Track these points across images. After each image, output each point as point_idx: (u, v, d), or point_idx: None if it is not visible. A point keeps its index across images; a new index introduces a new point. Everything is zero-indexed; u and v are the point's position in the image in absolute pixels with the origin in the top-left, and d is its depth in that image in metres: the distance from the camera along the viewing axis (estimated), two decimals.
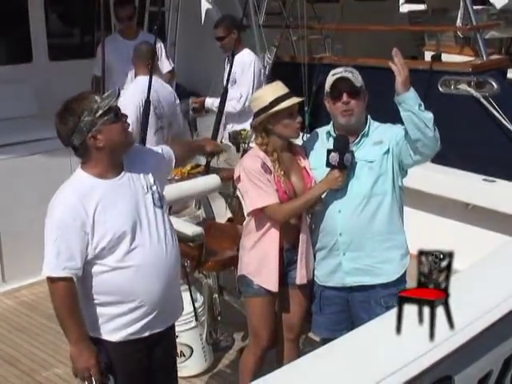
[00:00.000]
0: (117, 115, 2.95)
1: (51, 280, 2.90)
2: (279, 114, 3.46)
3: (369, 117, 3.58)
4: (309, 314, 3.75)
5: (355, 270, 3.55)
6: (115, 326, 3.00)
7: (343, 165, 3.39)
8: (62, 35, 7.33)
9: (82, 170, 2.99)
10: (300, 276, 3.62)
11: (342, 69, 3.51)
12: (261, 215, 3.53)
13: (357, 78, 3.47)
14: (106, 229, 2.89)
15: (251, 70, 6.13)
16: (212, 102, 6.27)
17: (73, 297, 2.91)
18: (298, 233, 3.59)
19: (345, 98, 3.43)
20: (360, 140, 3.51)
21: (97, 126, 2.89)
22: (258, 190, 3.46)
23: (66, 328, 2.93)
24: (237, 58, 6.12)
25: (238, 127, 5.76)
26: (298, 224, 3.60)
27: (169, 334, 3.23)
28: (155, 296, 3.01)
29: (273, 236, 3.54)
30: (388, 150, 3.47)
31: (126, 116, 3.04)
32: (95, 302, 2.99)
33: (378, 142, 3.49)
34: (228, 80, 5.99)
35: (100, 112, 2.89)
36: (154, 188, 3.09)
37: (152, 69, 5.39)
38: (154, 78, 5.50)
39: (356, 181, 3.48)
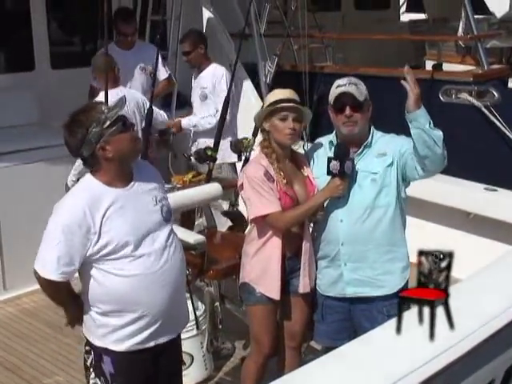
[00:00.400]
0: (124, 124, 2.96)
1: (44, 278, 2.94)
2: (272, 114, 3.52)
3: (372, 127, 3.58)
4: (311, 322, 3.75)
5: (356, 281, 3.55)
6: (120, 337, 3.00)
7: (344, 172, 3.40)
8: (65, 43, 7.36)
9: (92, 177, 3.00)
10: (303, 284, 3.63)
11: (347, 80, 3.51)
12: (263, 223, 3.54)
13: (361, 91, 3.47)
14: (111, 237, 2.90)
15: (222, 83, 6.07)
16: (188, 122, 6.20)
17: (64, 291, 3.01)
18: (300, 241, 3.60)
19: (347, 111, 3.44)
20: (363, 151, 3.52)
21: (105, 136, 2.90)
22: (260, 198, 3.48)
23: (64, 308, 3.14)
24: (205, 73, 6.14)
25: (210, 141, 5.81)
26: (301, 232, 3.61)
27: (175, 344, 3.22)
28: (159, 306, 3.01)
29: (275, 244, 3.55)
30: (392, 162, 3.47)
31: (134, 124, 3.06)
32: (99, 310, 3.00)
33: (381, 154, 3.49)
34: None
35: (108, 123, 2.90)
36: (164, 201, 3.11)
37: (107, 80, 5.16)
38: (119, 88, 5.47)
39: (359, 192, 3.48)
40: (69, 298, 3.09)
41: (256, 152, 4.02)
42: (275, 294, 3.58)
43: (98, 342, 3.02)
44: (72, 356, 4.64)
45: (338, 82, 3.53)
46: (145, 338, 3.02)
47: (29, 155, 5.61)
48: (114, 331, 2.99)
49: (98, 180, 2.97)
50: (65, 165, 5.68)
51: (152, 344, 3.05)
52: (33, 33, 6.50)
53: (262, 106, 3.72)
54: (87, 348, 3.10)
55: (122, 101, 3.04)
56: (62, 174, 5.65)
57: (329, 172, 3.44)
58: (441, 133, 3.35)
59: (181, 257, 3.13)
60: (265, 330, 3.67)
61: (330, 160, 3.43)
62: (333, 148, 3.54)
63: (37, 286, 5.39)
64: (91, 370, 3.08)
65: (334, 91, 3.50)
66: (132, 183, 3.03)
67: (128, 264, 2.93)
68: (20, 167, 5.54)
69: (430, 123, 3.31)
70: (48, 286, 2.99)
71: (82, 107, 2.99)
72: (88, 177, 3.01)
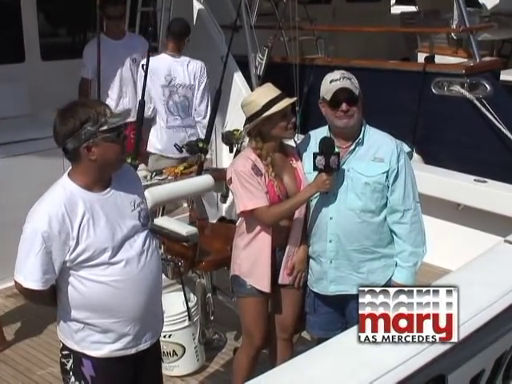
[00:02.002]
0: (119, 136, 2.85)
1: (29, 290, 2.85)
2: (273, 116, 3.47)
3: (364, 123, 3.55)
4: (303, 313, 3.77)
5: (339, 279, 3.56)
6: (97, 341, 2.93)
7: (330, 167, 3.39)
8: (55, 35, 7.32)
9: (69, 179, 2.88)
10: (282, 276, 3.64)
11: (340, 75, 3.47)
12: (251, 217, 3.55)
13: (355, 85, 3.46)
14: (88, 243, 2.81)
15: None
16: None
17: (48, 296, 2.94)
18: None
19: (344, 106, 3.41)
20: (355, 148, 3.50)
21: (96, 138, 2.78)
22: (247, 192, 3.49)
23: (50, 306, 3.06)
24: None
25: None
26: (290, 225, 3.62)
27: (154, 348, 3.14)
28: (136, 312, 2.94)
29: (265, 237, 3.56)
30: (388, 171, 3.45)
31: (127, 137, 3.01)
32: (76, 316, 2.92)
33: (379, 159, 3.45)
34: None
35: (105, 127, 2.78)
36: (142, 206, 3.03)
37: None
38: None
39: (351, 193, 3.46)
40: (54, 300, 3.00)
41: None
42: (265, 286, 3.60)
43: (76, 347, 2.95)
44: None
45: (331, 76, 3.48)
46: (125, 344, 2.96)
47: (18, 147, 5.59)
48: (91, 336, 2.93)
49: (74, 183, 2.85)
50: (55, 157, 5.67)
51: (133, 351, 2.99)
52: (23, 24, 6.47)
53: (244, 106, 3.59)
54: (65, 352, 3.01)
55: (127, 113, 2.97)
56: (52, 167, 5.64)
57: (315, 167, 3.43)
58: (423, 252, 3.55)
59: (158, 261, 3.06)
60: (256, 322, 3.69)
61: (315, 155, 3.43)
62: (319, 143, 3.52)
63: None
64: (71, 373, 3.00)
65: (329, 86, 3.45)
66: (109, 188, 2.92)
67: (105, 270, 2.86)
68: (9, 159, 5.52)
69: (415, 264, 3.51)
70: (32, 296, 2.91)
71: (85, 100, 2.88)
72: (64, 179, 2.89)
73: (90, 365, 2.95)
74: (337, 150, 3.45)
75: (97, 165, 2.83)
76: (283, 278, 3.66)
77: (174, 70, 5.90)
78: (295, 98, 3.64)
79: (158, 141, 5.96)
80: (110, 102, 6.11)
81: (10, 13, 6.42)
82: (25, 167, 5.56)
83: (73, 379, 3.00)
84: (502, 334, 3.17)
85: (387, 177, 3.45)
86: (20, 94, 6.31)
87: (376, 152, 3.48)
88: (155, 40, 6.97)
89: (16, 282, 2.87)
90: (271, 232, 3.55)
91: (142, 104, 5.56)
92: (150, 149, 5.99)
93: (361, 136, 3.50)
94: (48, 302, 3.03)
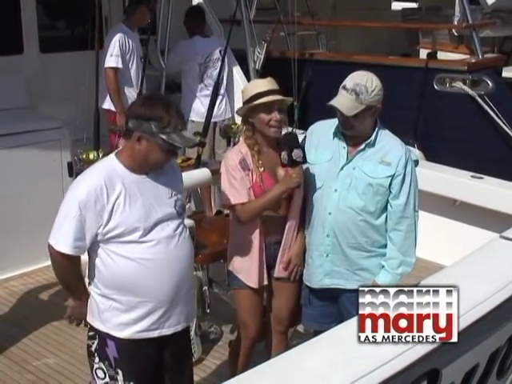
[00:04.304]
0: (169, 151, 2.96)
1: (58, 252, 2.93)
2: (256, 108, 3.48)
3: (377, 125, 3.48)
4: (298, 306, 3.78)
5: (334, 273, 3.56)
6: (123, 322, 2.99)
7: (294, 161, 3.40)
8: (53, 27, 7.29)
9: (115, 158, 3.00)
10: (277, 270, 3.66)
11: (353, 85, 3.33)
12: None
13: (361, 100, 3.32)
14: (120, 221, 2.90)
15: None
16: None
17: (75, 268, 3.01)
18: (283, 227, 3.62)
19: (342, 118, 3.40)
20: (364, 148, 3.45)
21: (151, 137, 2.89)
22: (231, 188, 3.51)
23: (71, 289, 3.12)
24: None
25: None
26: (284, 219, 3.61)
27: (181, 335, 3.17)
28: (163, 293, 2.99)
29: (254, 232, 3.57)
30: (393, 175, 3.41)
31: (176, 155, 3.09)
32: (103, 293, 3.00)
33: (386, 163, 3.42)
34: None
35: (164, 137, 2.88)
36: (179, 196, 3.12)
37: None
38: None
39: (353, 191, 3.44)
40: (77, 279, 3.07)
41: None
42: (254, 283, 3.62)
43: (101, 327, 3.02)
44: (60, 338, 4.68)
45: (346, 81, 3.39)
46: (148, 325, 3.00)
47: (16, 139, 5.59)
48: (117, 316, 2.99)
49: (119, 161, 2.98)
50: (53, 149, 5.70)
51: (156, 334, 3.03)
52: (21, 16, 6.46)
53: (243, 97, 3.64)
54: (91, 334, 3.09)
55: (191, 142, 3.15)
56: (50, 158, 5.66)
57: (282, 164, 3.46)
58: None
59: (189, 248, 3.12)
60: (251, 314, 3.71)
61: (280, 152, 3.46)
62: (336, 138, 3.50)
63: (25, 269, 5.55)
64: (96, 354, 3.07)
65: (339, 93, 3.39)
66: (150, 174, 3.02)
67: (135, 248, 2.93)
68: (7, 151, 5.52)
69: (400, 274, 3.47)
70: (61, 262, 2.97)
71: (172, 102, 2.97)
72: (111, 157, 3.02)
73: (114, 346, 3.02)
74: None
75: (139, 155, 2.95)
76: (279, 272, 3.67)
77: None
78: (290, 98, 3.63)
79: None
80: (131, 91, 6.21)
81: (9, 4, 6.41)
82: (23, 159, 5.55)
83: (97, 360, 3.08)
84: (496, 329, 3.19)
85: (391, 181, 3.42)
86: (18, 85, 6.31)
87: (384, 155, 3.44)
88: (154, 33, 6.97)
89: (49, 245, 2.96)
90: (261, 227, 3.56)
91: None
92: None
93: (372, 138, 3.45)
94: (73, 276, 3.05)
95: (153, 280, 2.97)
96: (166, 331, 3.06)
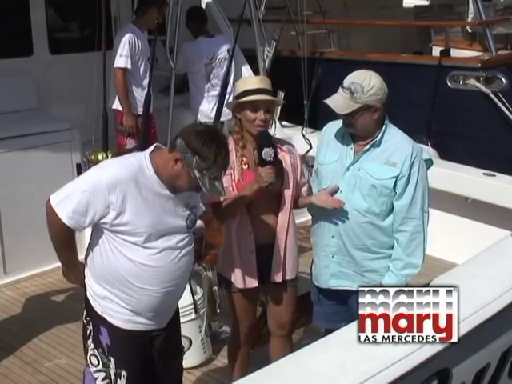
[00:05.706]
0: (198, 187, 2.96)
1: (55, 215, 2.92)
2: (244, 105, 3.46)
3: (385, 125, 3.43)
4: (305, 306, 3.77)
5: (340, 274, 3.54)
6: (115, 310, 3.04)
7: (264, 160, 3.37)
8: (63, 29, 7.31)
9: (149, 158, 2.98)
10: (276, 274, 3.63)
11: (349, 83, 3.32)
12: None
13: (355, 99, 3.29)
14: (130, 219, 2.91)
15: None
16: None
17: (66, 236, 3.00)
18: (275, 230, 3.59)
19: (341, 116, 3.39)
20: (369, 148, 3.42)
21: (187, 165, 2.87)
22: None
23: (57, 253, 3.10)
24: None
25: None
26: (275, 222, 3.58)
27: (170, 327, 3.23)
28: (150, 303, 3.04)
29: (244, 234, 3.55)
30: (398, 176, 3.36)
31: (200, 190, 3.03)
32: (100, 280, 3.04)
33: (391, 164, 3.36)
34: None
35: (198, 175, 2.88)
36: (194, 210, 3.11)
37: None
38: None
39: (357, 192, 3.41)
40: (66, 248, 3.07)
41: None
42: (245, 285, 3.60)
43: (98, 308, 3.07)
44: (72, 340, 4.66)
45: (345, 79, 3.37)
46: (135, 322, 3.07)
47: (27, 141, 5.60)
48: (110, 303, 3.04)
49: (151, 164, 2.96)
50: (63, 151, 5.71)
51: (143, 329, 3.10)
52: (31, 18, 6.47)
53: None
54: (87, 319, 3.14)
55: (218, 195, 3.12)
56: (60, 160, 5.67)
57: (255, 163, 3.44)
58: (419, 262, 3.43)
59: (188, 262, 3.13)
60: (243, 313, 3.71)
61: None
62: (346, 136, 3.48)
63: (37, 271, 5.56)
64: (91, 339, 3.13)
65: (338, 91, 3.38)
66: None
67: (136, 251, 2.95)
68: (18, 153, 5.54)
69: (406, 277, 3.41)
70: (52, 224, 2.97)
71: (226, 145, 2.97)
72: (146, 156, 2.99)
73: (107, 333, 3.06)
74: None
75: (169, 171, 2.94)
76: (275, 277, 3.63)
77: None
78: (278, 99, 3.60)
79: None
80: (138, 91, 6.22)
81: (19, 6, 6.42)
82: (33, 161, 5.57)
83: (91, 346, 3.13)
84: (507, 328, 3.17)
85: (396, 182, 3.37)
86: (28, 87, 6.32)
87: (390, 155, 3.38)
88: (162, 34, 6.97)
89: (48, 202, 2.95)
90: (252, 228, 3.53)
91: (147, 97, 5.63)
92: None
93: (378, 138, 3.40)
94: (62, 243, 3.04)
95: (144, 285, 3.00)
96: (152, 328, 3.12)
